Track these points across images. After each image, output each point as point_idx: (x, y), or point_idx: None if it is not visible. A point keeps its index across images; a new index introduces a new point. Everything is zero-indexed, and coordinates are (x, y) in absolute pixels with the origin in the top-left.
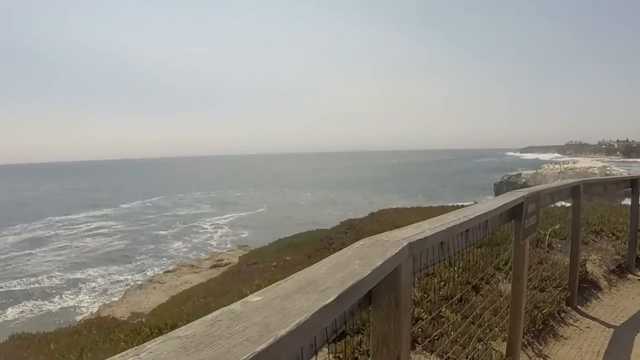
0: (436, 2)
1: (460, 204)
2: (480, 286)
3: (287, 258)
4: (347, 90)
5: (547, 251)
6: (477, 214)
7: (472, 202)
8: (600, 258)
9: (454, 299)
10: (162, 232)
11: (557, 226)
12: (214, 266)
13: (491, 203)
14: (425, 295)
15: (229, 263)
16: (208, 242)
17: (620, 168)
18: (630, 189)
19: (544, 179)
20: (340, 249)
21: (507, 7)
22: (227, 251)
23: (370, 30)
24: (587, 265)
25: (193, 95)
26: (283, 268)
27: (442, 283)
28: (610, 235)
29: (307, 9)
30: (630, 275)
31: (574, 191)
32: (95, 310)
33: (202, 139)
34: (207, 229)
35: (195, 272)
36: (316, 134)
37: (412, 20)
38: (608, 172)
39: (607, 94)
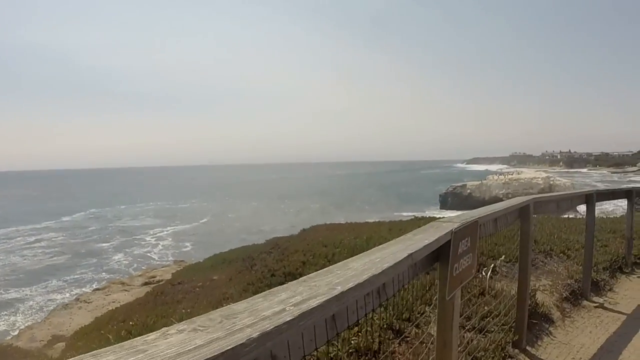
0: (391, 12)
1: (405, 213)
2: (406, 330)
3: (214, 277)
4: (298, 101)
5: (491, 277)
6: (385, 266)
7: (412, 216)
8: (551, 283)
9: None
10: (103, 244)
11: (503, 257)
12: (146, 283)
13: (400, 247)
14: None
15: (161, 280)
16: (149, 254)
17: (563, 178)
18: (585, 205)
19: (489, 189)
20: (262, 272)
21: (460, 18)
22: (162, 267)
23: (322, 41)
24: (537, 296)
25: (159, 103)
26: (207, 289)
27: (357, 329)
28: (561, 254)
29: (266, 19)
30: (585, 302)
31: (522, 212)
32: (16, 333)
33: (166, 148)
34: (149, 241)
35: (126, 290)
36: (271, 145)
37: (365, 31)
38: (552, 182)
39: (551, 107)
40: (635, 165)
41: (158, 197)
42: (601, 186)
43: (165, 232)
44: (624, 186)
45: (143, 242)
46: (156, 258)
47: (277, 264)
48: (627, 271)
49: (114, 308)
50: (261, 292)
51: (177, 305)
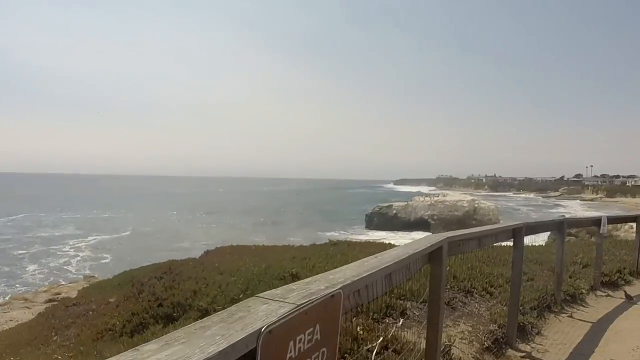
0: (323, 33)
1: (328, 233)
2: None
3: (111, 300)
4: (226, 114)
5: (398, 326)
6: None
7: (328, 239)
8: (471, 329)
9: None
10: (18, 253)
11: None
12: (50, 300)
13: None
14: None
15: (66, 298)
16: (65, 267)
17: (488, 201)
18: (513, 239)
19: (415, 210)
20: (148, 300)
21: (386, 38)
22: (69, 283)
23: (250, 57)
24: (452, 351)
25: (90, 109)
26: (97, 315)
27: None
28: (484, 293)
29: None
30: (510, 352)
31: (433, 256)
32: None
33: (102, 156)
34: (67, 251)
35: (28, 307)
36: (208, 159)
37: (294, 51)
38: (477, 205)
39: (477, 131)
40: (557, 191)
41: (83, 206)
42: (524, 209)
43: (86, 243)
44: (555, 217)
45: (60, 253)
46: (73, 270)
47: (166, 292)
48: (556, 310)
49: (8, 328)
50: (146, 323)
51: (65, 330)
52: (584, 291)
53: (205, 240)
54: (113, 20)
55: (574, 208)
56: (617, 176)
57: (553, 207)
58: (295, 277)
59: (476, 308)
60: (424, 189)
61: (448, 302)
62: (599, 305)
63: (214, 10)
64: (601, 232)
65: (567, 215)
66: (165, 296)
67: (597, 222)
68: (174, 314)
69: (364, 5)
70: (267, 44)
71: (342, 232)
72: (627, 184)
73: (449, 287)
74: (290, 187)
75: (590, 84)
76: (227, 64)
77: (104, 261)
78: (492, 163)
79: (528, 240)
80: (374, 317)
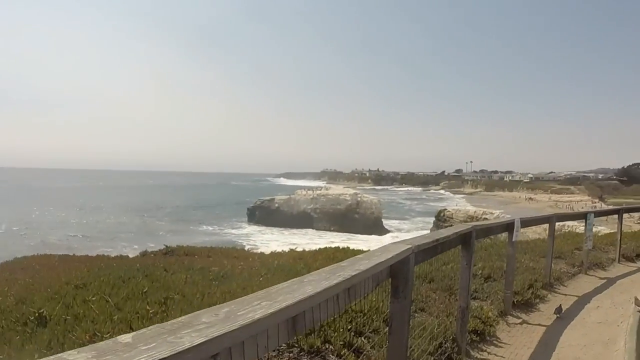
0: (219, 26)
1: (205, 227)
2: None
3: None
4: (122, 106)
5: None
6: None
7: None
8: None
9: None
10: None
11: None
12: None
13: None
14: None
15: None
16: None
17: (370, 195)
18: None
19: (297, 204)
20: None
21: (286, 37)
22: None
23: (152, 50)
24: None
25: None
26: None
27: None
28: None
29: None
30: None
31: None
32: None
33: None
34: None
35: None
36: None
37: (190, 42)
38: (359, 199)
39: (361, 128)
40: (439, 185)
41: None
42: (408, 203)
43: None
44: (459, 228)
45: None
46: None
47: None
48: None
49: None
50: None
51: None
52: (493, 323)
53: (72, 241)
54: None
55: (456, 201)
56: (495, 172)
57: (438, 201)
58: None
59: None
60: (308, 182)
61: None
62: (515, 340)
63: None
64: (513, 239)
65: (448, 209)
66: None
67: (507, 227)
68: None
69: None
70: (159, 35)
71: (222, 227)
72: (505, 179)
73: None
74: (171, 181)
75: (469, 83)
76: (113, 55)
77: None
78: (376, 158)
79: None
80: None
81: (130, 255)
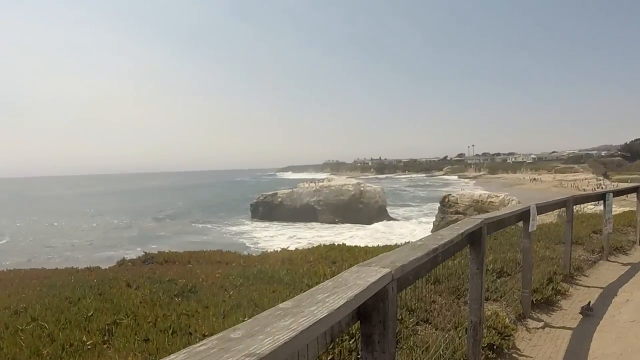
0: (209, 26)
1: (210, 225)
2: None
3: None
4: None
5: None
6: None
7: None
8: None
9: None
10: None
11: None
12: None
13: None
14: None
15: None
16: None
17: (373, 184)
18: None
19: (300, 197)
20: None
21: (273, 32)
22: None
23: (135, 49)
24: None
25: None
26: None
27: None
28: None
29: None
30: None
31: None
32: None
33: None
34: None
35: None
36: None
37: (180, 43)
38: (362, 188)
39: (362, 116)
40: (442, 170)
41: None
42: (411, 190)
43: None
44: (466, 225)
45: None
46: None
47: None
48: None
49: None
50: None
51: None
52: (511, 332)
53: (77, 251)
54: None
55: (462, 185)
56: (498, 154)
57: (442, 186)
58: None
59: None
60: (311, 175)
61: None
62: (538, 351)
63: None
64: (530, 229)
65: (453, 194)
66: None
67: (521, 216)
68: None
69: None
70: (149, 35)
71: (226, 224)
72: (508, 161)
73: None
74: (174, 182)
75: (468, 67)
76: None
77: None
78: (378, 147)
79: None
80: None
81: (134, 257)
